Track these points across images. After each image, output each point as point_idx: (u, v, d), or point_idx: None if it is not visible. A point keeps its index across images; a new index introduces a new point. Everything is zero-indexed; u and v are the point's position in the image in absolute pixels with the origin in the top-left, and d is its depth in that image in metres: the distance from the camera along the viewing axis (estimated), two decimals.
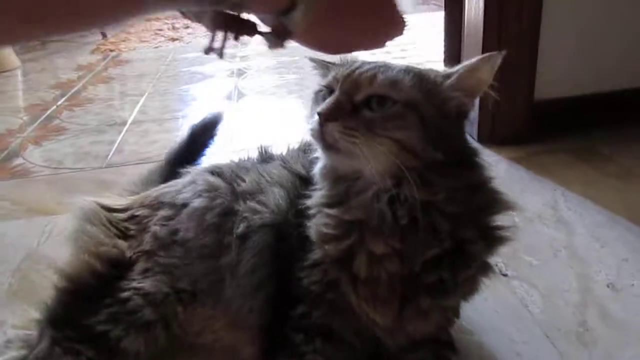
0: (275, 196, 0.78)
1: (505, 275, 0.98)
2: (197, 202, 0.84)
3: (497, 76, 1.42)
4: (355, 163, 0.63)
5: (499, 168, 1.38)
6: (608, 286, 0.93)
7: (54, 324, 0.79)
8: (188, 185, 0.89)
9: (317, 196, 0.70)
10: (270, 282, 0.75)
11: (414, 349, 0.72)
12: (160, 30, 3.75)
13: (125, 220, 0.89)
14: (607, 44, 1.45)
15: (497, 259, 1.01)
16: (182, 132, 1.86)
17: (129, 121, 1.98)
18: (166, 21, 3.96)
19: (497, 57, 0.63)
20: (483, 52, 1.38)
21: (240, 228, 0.77)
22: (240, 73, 2.53)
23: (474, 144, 0.71)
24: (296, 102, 2.07)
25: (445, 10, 1.67)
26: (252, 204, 0.79)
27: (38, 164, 1.67)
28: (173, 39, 3.45)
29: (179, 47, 3.27)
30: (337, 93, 0.64)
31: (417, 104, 0.62)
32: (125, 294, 0.79)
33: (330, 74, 0.68)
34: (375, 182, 0.63)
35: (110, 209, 0.91)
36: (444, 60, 1.71)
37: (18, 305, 0.99)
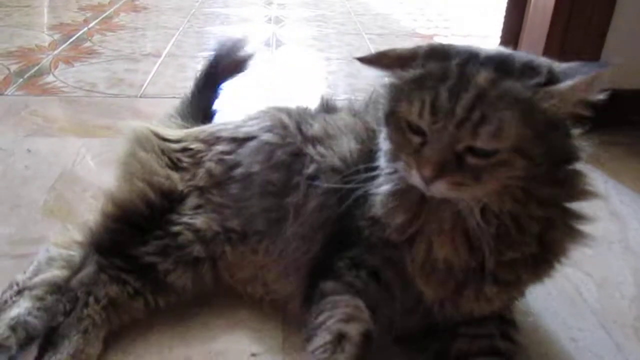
0: (347, 144, 0.75)
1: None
2: (266, 136, 0.80)
3: (559, 61, 1.35)
4: (464, 199, 0.59)
5: None
6: None
7: (101, 250, 0.76)
8: (253, 119, 0.86)
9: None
10: (331, 224, 0.73)
11: (478, 324, 0.70)
12: None
13: (178, 151, 0.86)
14: None
15: None
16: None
17: (164, 53, 1.92)
18: None
19: (603, 72, 0.57)
20: (548, 37, 1.36)
21: (310, 169, 0.75)
22: (278, 21, 2.45)
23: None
24: (336, 56, 2.00)
25: None
26: (321, 149, 0.76)
27: (70, 84, 1.62)
28: None
29: None
30: (434, 144, 0.55)
31: (523, 145, 0.55)
32: (176, 228, 0.76)
33: (410, 103, 0.57)
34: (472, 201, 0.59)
35: (163, 138, 0.87)
36: (501, 38, 1.64)
37: (54, 223, 0.96)
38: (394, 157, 0.62)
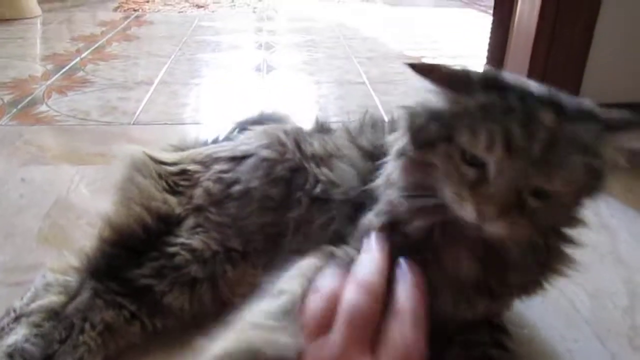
0: (348, 174, 0.76)
1: None
2: (265, 153, 0.82)
3: (544, 79, 1.40)
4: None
5: None
6: None
7: (96, 276, 0.76)
8: (250, 138, 0.87)
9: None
10: (343, 238, 0.70)
11: (470, 331, 0.70)
12: None
13: (175, 174, 0.86)
14: None
15: None
16: (212, 97, 1.84)
17: (156, 81, 1.94)
18: None
19: None
20: (532, 55, 1.40)
21: (318, 189, 0.75)
22: (269, 47, 2.49)
23: None
24: (326, 79, 2.03)
25: (494, 7, 1.64)
26: (325, 170, 0.77)
27: (64, 113, 1.63)
28: (198, 6, 3.40)
29: (204, 15, 3.22)
30: (501, 185, 0.52)
31: (583, 189, 0.55)
32: (173, 249, 0.76)
33: (479, 139, 0.52)
34: None
35: (159, 161, 0.88)
36: (487, 58, 1.68)
37: (49, 250, 0.97)
38: (424, 173, 0.58)
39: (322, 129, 0.89)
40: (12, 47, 2.38)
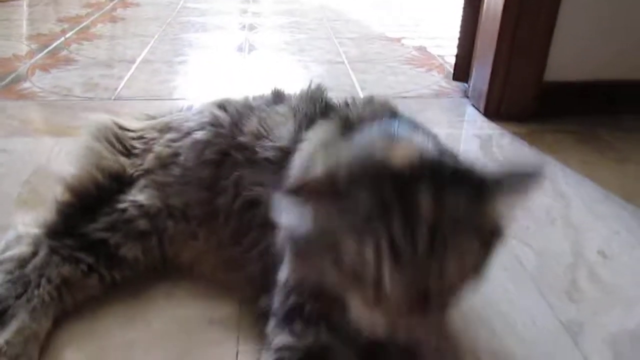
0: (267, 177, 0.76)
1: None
2: (199, 134, 0.86)
3: (511, 55, 1.45)
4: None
5: (503, 141, 1.41)
6: (599, 253, 0.97)
7: (53, 235, 0.81)
8: (196, 114, 0.92)
9: None
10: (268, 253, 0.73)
11: None
12: None
13: (134, 139, 0.92)
14: (622, 33, 1.48)
15: None
16: (193, 75, 1.88)
17: (139, 59, 1.97)
18: None
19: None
20: (500, 33, 1.44)
21: (241, 191, 0.78)
22: (252, 27, 2.52)
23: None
24: (307, 59, 2.07)
25: None
26: (249, 169, 0.79)
27: (47, 89, 1.67)
28: None
29: None
30: (397, 294, 0.49)
31: (480, 266, 0.55)
32: (123, 205, 0.82)
33: (364, 254, 0.49)
34: None
35: (123, 128, 0.94)
36: (459, 39, 1.72)
37: (27, 212, 1.01)
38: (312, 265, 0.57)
39: (276, 98, 0.93)
40: None
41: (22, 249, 0.82)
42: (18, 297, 0.74)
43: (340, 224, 0.50)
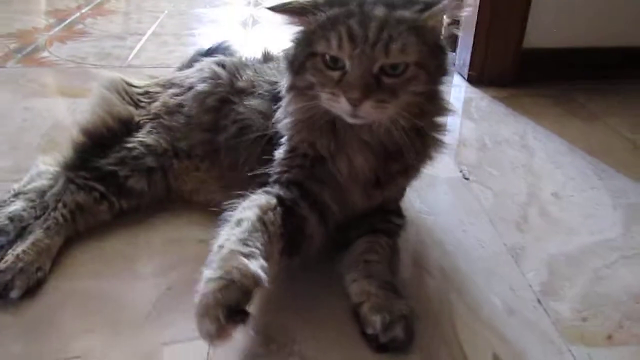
0: (257, 115, 0.91)
1: (467, 179, 1.13)
2: (201, 87, 1.00)
3: (491, 24, 1.55)
4: (385, 118, 0.72)
5: (482, 103, 1.52)
6: (552, 194, 1.08)
7: (70, 168, 0.94)
8: (196, 72, 1.05)
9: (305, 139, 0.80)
10: (259, 160, 0.86)
11: (365, 216, 0.86)
12: None
13: (140, 94, 1.06)
14: (599, 1, 1.57)
15: (462, 166, 1.17)
16: (197, 45, 2.00)
17: (149, 32, 2.10)
18: None
19: None
20: (480, 4, 1.54)
21: (237, 123, 0.92)
22: (257, 4, 2.63)
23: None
24: None
25: None
26: (242, 109, 0.93)
27: (63, 58, 1.81)
28: None
29: None
30: (355, 70, 0.67)
31: (423, 60, 0.69)
32: (132, 144, 0.95)
33: (326, 38, 0.68)
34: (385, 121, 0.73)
35: (129, 84, 1.08)
36: None
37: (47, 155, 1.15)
38: (309, 97, 0.73)
39: (266, 58, 1.07)
40: (17, 3, 2.55)
41: (43, 182, 0.96)
42: (37, 218, 0.88)
43: (315, 28, 0.70)
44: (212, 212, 0.95)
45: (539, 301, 0.80)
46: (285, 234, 0.73)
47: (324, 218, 0.80)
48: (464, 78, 1.69)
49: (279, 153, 0.83)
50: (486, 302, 0.80)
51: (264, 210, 0.72)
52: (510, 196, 1.08)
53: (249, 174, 0.84)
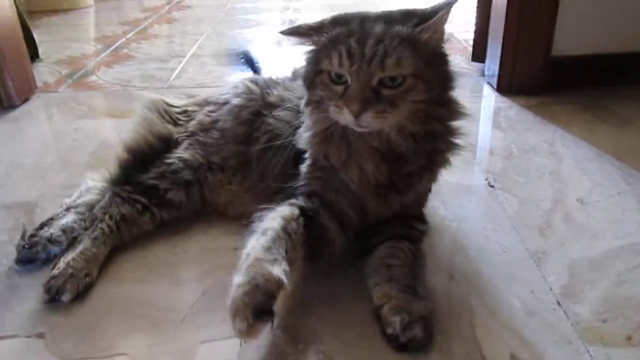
0: (285, 126, 0.97)
1: (492, 186, 1.16)
2: (236, 101, 1.08)
3: (518, 33, 1.57)
4: (389, 127, 0.78)
5: (511, 112, 1.54)
6: (578, 200, 1.10)
7: (116, 183, 1.03)
8: (230, 89, 1.13)
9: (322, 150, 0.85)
10: (286, 173, 0.93)
11: (387, 222, 0.90)
12: None
13: (179, 113, 1.14)
14: (625, 6, 1.57)
15: (488, 174, 1.20)
16: (233, 66, 2.09)
17: (189, 54, 2.21)
18: None
19: (449, 7, 0.75)
20: (507, 14, 1.56)
21: (267, 134, 0.99)
22: (292, 23, 2.72)
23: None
24: None
25: None
26: (272, 120, 1.00)
27: (110, 81, 1.93)
28: None
29: None
30: (355, 85, 0.73)
31: (419, 71, 0.74)
32: (170, 160, 1.03)
33: (329, 57, 0.75)
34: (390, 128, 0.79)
35: (169, 104, 1.16)
36: (475, 22, 1.85)
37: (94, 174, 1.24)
38: (321, 110, 0.80)
39: (295, 76, 1.13)
40: (68, 32, 2.72)
41: (92, 196, 1.05)
42: (86, 229, 0.96)
43: (321, 47, 0.77)
44: (245, 223, 1.03)
45: (558, 303, 0.82)
46: (308, 241, 0.80)
47: (343, 225, 0.85)
48: (493, 88, 1.71)
49: (303, 167, 0.89)
50: (506, 304, 0.83)
51: (288, 221, 0.79)
52: (535, 202, 1.09)
53: (274, 184, 0.91)
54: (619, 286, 0.86)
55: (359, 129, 0.77)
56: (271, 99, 1.05)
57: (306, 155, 0.89)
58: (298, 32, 0.80)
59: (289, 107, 1.01)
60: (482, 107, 1.61)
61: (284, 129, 0.97)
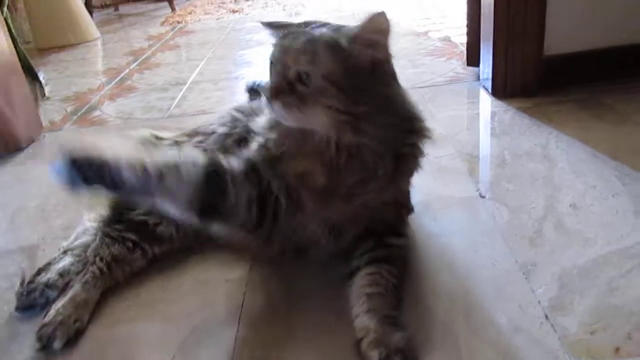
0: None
1: (483, 197, 1.15)
2: (222, 130, 1.09)
3: (508, 35, 1.56)
4: (302, 124, 0.81)
5: (505, 116, 1.53)
6: (570, 205, 1.08)
7: (107, 223, 1.05)
8: (218, 119, 1.15)
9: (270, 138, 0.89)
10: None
11: (360, 242, 0.91)
12: (223, 3, 4.03)
13: (168, 145, 1.15)
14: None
15: (479, 185, 1.19)
16: (232, 90, 2.13)
17: (189, 81, 2.25)
18: None
19: (381, 16, 0.76)
20: (495, 16, 1.55)
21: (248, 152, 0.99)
22: None
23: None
24: None
25: None
26: (259, 138, 0.99)
27: (112, 115, 1.98)
28: (234, 11, 3.72)
29: (239, 18, 3.54)
30: (273, 74, 0.80)
31: (334, 75, 0.77)
32: None
33: (272, 49, 0.82)
34: (321, 132, 0.81)
35: (159, 138, 1.18)
36: (467, 25, 1.84)
37: (92, 211, 1.27)
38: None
39: None
40: (75, 67, 2.80)
41: (87, 238, 1.08)
42: (78, 273, 0.98)
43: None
44: (237, 252, 1.04)
45: (546, 317, 0.81)
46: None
47: (265, 202, 0.86)
48: (488, 92, 1.69)
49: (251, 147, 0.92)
50: (492, 322, 0.82)
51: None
52: (527, 211, 1.08)
53: None
54: (609, 294, 0.85)
55: (281, 120, 0.81)
56: (253, 125, 1.06)
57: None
58: (270, 24, 0.87)
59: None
60: (477, 112, 1.60)
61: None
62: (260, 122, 0.91)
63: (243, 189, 0.84)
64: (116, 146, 0.81)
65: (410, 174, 0.90)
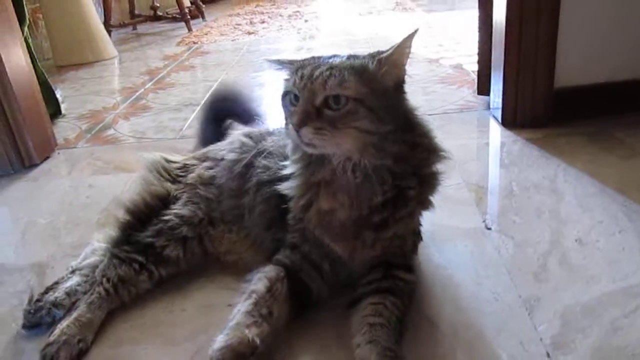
0: (274, 165, 1.01)
1: (489, 229, 1.15)
2: (230, 156, 1.11)
3: (519, 65, 1.57)
4: (330, 149, 0.82)
5: (514, 147, 1.53)
6: (576, 240, 1.08)
7: (115, 244, 1.06)
8: (227, 144, 1.17)
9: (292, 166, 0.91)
10: (277, 223, 0.98)
11: (370, 270, 0.92)
12: (239, 24, 4.09)
13: (178, 169, 1.18)
14: (623, 34, 1.55)
15: (485, 216, 1.19)
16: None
17: (202, 102, 2.28)
18: (245, 17, 4.29)
19: (409, 39, 0.81)
20: (506, 48, 1.57)
21: (253, 180, 1.03)
22: None
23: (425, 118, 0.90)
24: None
25: (478, 7, 1.82)
26: (265, 161, 1.03)
27: (126, 134, 2.01)
28: (249, 33, 3.78)
29: (254, 40, 3.59)
30: (301, 101, 0.80)
31: (363, 97, 0.79)
32: (167, 217, 1.06)
33: (291, 80, 0.83)
34: (342, 157, 0.84)
35: (169, 161, 1.20)
36: (478, 55, 1.85)
37: (102, 232, 1.29)
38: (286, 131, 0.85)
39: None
40: (91, 85, 2.85)
41: (95, 258, 1.09)
42: (85, 293, 1.00)
43: (290, 74, 0.86)
44: (242, 276, 1.05)
45: (548, 355, 0.81)
46: (293, 297, 0.88)
47: (323, 276, 0.91)
48: (498, 121, 1.70)
49: (290, 217, 0.94)
50: (493, 359, 0.82)
51: (273, 282, 0.88)
52: (532, 245, 1.08)
53: (264, 232, 1.00)
54: (612, 334, 0.84)
55: (305, 148, 0.82)
56: (263, 146, 1.08)
57: (290, 203, 0.93)
58: (277, 61, 0.91)
59: (270, 152, 1.04)
60: (486, 142, 1.61)
61: (265, 176, 1.01)
62: (290, 184, 0.92)
63: (313, 278, 0.92)
64: None
65: (433, 196, 0.91)
